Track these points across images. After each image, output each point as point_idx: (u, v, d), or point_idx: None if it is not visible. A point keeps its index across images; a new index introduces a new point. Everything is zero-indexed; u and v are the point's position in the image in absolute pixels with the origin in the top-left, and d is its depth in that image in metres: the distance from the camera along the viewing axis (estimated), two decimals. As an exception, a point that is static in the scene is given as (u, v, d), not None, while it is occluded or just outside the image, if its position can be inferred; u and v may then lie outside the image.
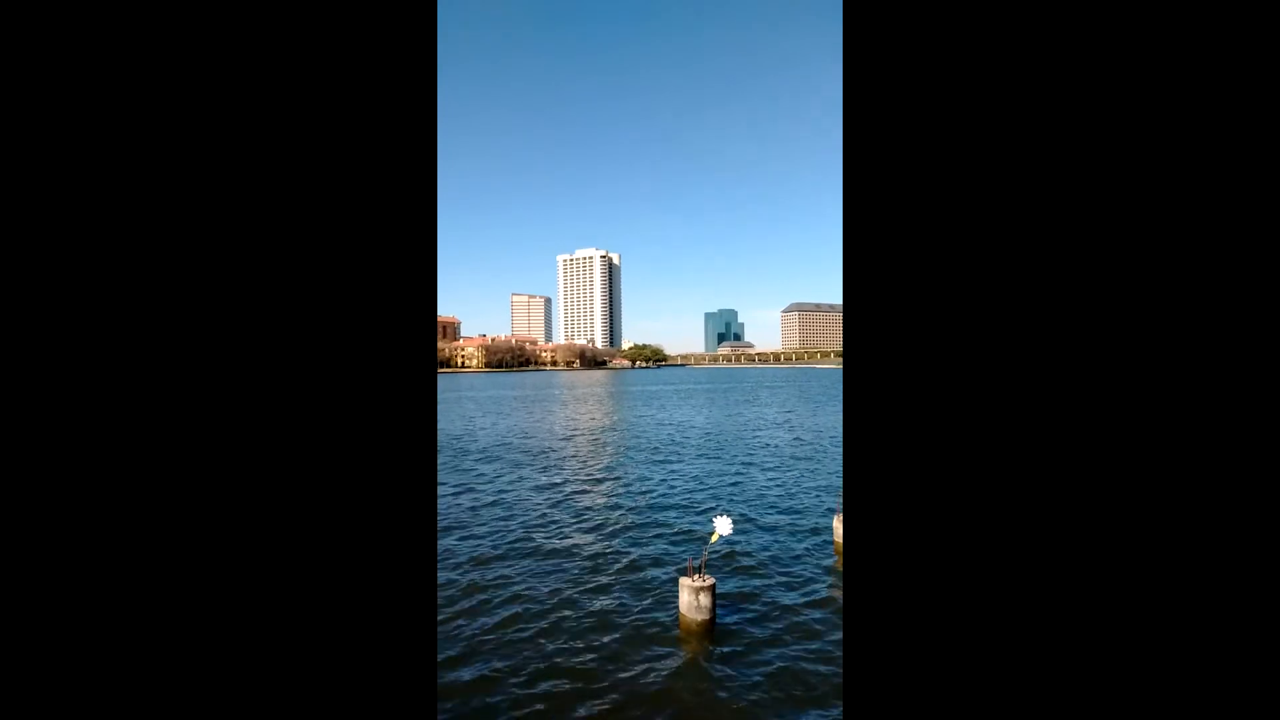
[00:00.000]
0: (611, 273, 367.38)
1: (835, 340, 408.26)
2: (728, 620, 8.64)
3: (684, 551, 11.57)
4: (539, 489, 17.85)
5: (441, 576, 10.33)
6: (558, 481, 18.98)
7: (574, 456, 24.20)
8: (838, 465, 21.43)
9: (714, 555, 10.29)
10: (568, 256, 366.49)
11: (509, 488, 17.97)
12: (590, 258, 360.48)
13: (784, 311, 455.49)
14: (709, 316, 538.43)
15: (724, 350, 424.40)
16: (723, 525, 8.52)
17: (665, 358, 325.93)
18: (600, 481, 19.05)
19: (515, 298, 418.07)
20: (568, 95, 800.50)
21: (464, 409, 50.26)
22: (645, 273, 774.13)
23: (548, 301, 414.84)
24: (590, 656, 7.63)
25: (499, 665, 7.41)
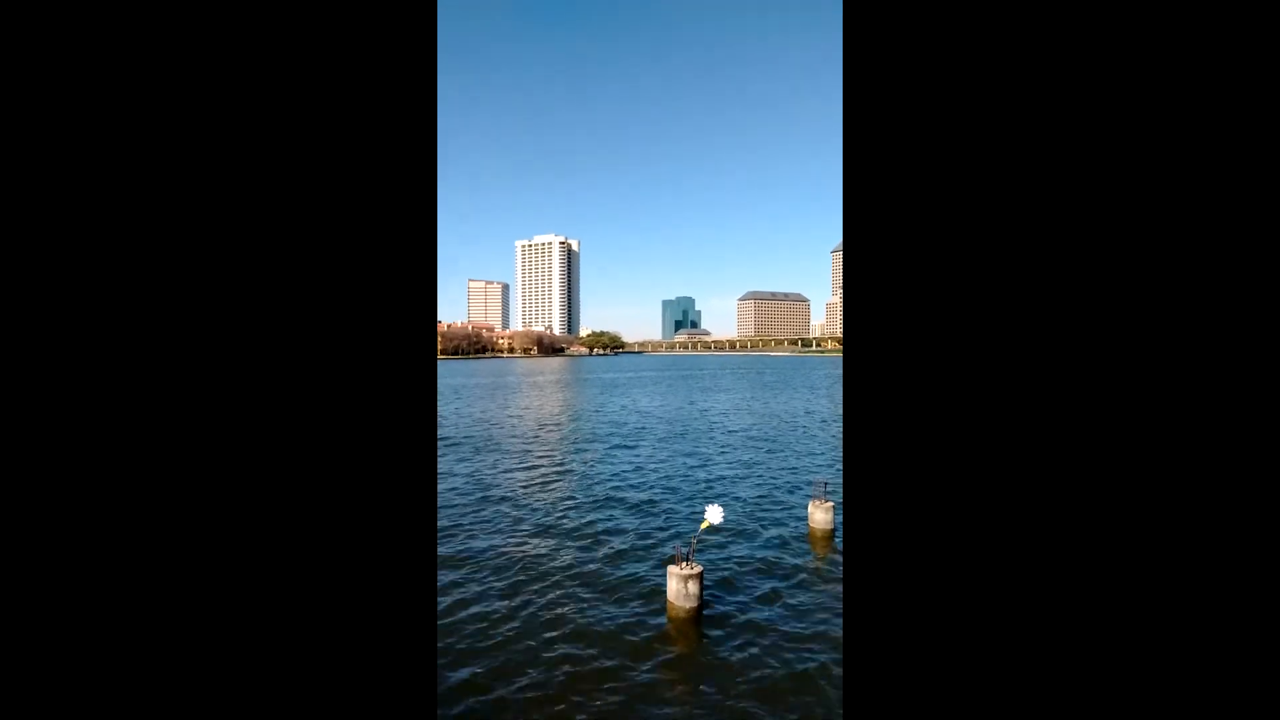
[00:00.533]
0: (570, 259, 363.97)
1: (789, 328, 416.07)
2: (715, 607, 8.84)
3: (668, 538, 11.75)
4: (513, 479, 17.75)
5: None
6: (531, 471, 18.90)
7: (545, 446, 24.10)
8: (804, 448, 22.02)
9: (698, 542, 10.48)
10: (526, 242, 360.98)
11: (483, 478, 17.80)
12: (549, 244, 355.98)
13: (740, 299, 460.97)
14: (666, 304, 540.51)
15: (681, 337, 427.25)
16: (714, 514, 8.66)
17: (623, 345, 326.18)
18: (574, 471, 19.06)
19: (472, 283, 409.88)
20: (529, 80, 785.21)
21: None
22: (604, 260, 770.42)
23: (505, 288, 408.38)
24: (578, 648, 7.71)
25: (485, 658, 7.41)
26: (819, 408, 37.40)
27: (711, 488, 16.35)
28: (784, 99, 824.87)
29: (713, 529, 9.38)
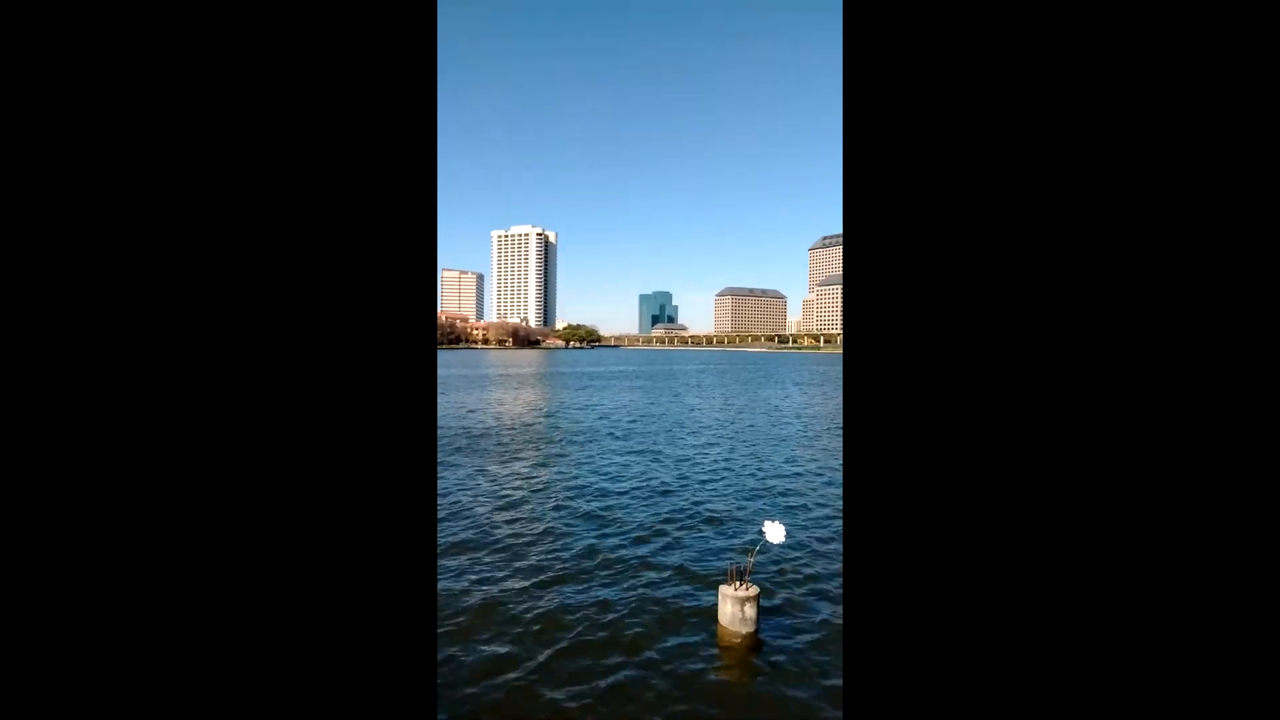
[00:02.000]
0: (548, 251, 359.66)
1: (766, 324, 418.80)
2: (772, 632, 7.74)
3: (715, 558, 10.60)
4: (518, 484, 16.44)
5: (441, 586, 8.92)
6: (539, 476, 17.59)
7: (546, 447, 22.75)
8: (830, 452, 21.09)
9: (743, 557, 9.39)
10: (502, 233, 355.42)
11: (482, 482, 16.45)
12: (526, 235, 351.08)
13: (718, 295, 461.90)
14: (644, 298, 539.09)
15: (658, 332, 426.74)
16: (774, 533, 7.51)
17: (599, 338, 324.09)
18: (587, 476, 17.80)
19: (446, 273, 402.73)
20: (509, 67, 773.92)
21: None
22: (582, 253, 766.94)
23: (480, 278, 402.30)
24: (621, 677, 6.55)
25: (513, 687, 6.21)
26: (813, 403, 36.69)
27: (755, 495, 15.27)
28: (766, 97, 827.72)
29: (767, 547, 8.14)
